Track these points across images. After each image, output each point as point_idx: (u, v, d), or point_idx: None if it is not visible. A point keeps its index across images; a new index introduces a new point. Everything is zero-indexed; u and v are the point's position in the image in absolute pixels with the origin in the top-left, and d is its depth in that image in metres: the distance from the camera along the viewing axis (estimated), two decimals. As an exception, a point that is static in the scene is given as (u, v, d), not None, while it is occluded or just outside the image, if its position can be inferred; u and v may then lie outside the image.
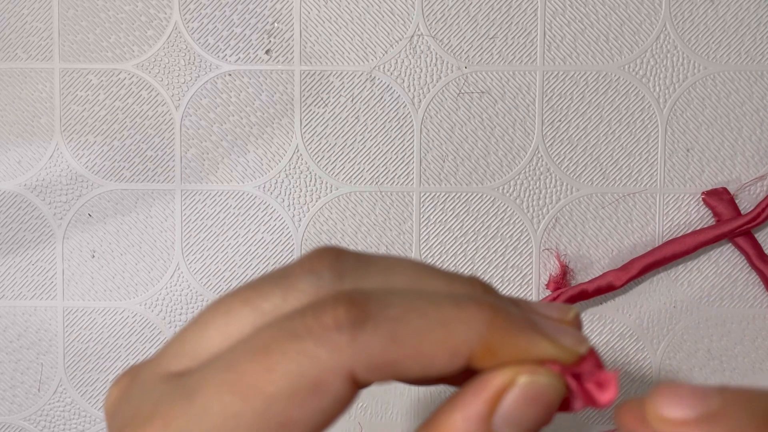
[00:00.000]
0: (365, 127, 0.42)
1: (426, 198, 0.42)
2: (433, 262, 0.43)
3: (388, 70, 0.42)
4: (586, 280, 0.42)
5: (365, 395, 0.43)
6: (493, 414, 0.20)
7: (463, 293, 0.21)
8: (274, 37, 0.42)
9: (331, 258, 0.21)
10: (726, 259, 0.43)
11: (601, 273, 0.42)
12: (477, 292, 0.21)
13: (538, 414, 0.20)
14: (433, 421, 0.21)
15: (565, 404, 0.21)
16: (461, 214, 0.42)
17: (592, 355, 0.21)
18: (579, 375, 0.21)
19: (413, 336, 0.20)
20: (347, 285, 0.21)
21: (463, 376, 0.23)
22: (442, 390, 0.42)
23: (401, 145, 0.42)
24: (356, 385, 0.20)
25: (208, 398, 0.20)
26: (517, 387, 0.20)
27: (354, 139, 0.42)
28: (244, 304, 0.22)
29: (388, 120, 0.42)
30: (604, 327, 0.43)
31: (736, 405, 0.19)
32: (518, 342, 0.20)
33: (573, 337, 0.21)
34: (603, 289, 0.41)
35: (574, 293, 0.41)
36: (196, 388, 0.20)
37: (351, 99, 0.42)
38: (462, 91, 0.42)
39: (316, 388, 0.19)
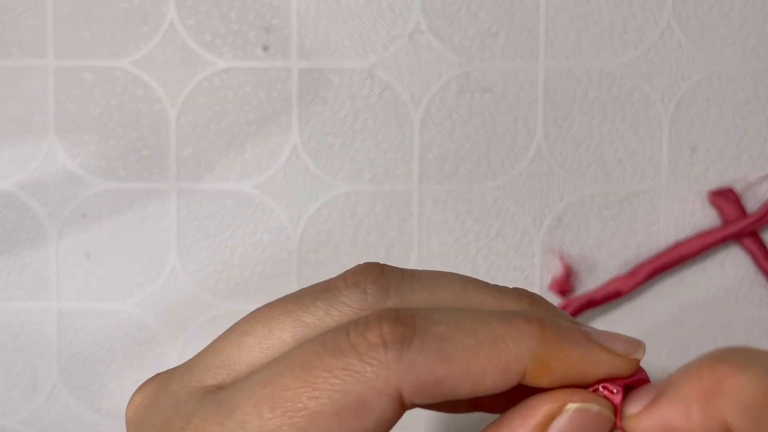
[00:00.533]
0: (365, 126, 0.42)
1: (426, 198, 0.42)
2: (433, 262, 0.43)
3: (388, 68, 0.42)
4: (590, 280, 0.42)
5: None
6: None
7: (511, 308, 0.21)
8: (272, 34, 0.42)
9: (376, 273, 0.21)
10: (731, 260, 0.43)
11: (605, 274, 0.42)
12: (524, 305, 0.22)
13: None
14: None
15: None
16: (462, 213, 0.42)
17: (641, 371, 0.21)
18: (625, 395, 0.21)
19: (462, 354, 0.19)
20: (392, 300, 0.21)
21: (501, 401, 0.23)
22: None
23: (401, 143, 0.42)
24: (402, 405, 0.20)
25: (246, 414, 0.20)
26: (566, 414, 0.20)
27: (353, 137, 0.42)
28: (286, 315, 0.21)
29: (388, 118, 0.42)
30: (607, 329, 0.43)
31: (676, 376, 0.20)
32: (572, 354, 0.20)
33: (627, 343, 0.21)
34: (611, 296, 0.41)
35: (582, 302, 0.41)
36: (233, 404, 0.20)
37: (350, 97, 0.42)
38: (463, 88, 0.42)
39: (361, 407, 0.19)
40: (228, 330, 0.22)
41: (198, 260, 0.43)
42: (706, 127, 0.42)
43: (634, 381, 0.21)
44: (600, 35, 0.42)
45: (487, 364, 0.19)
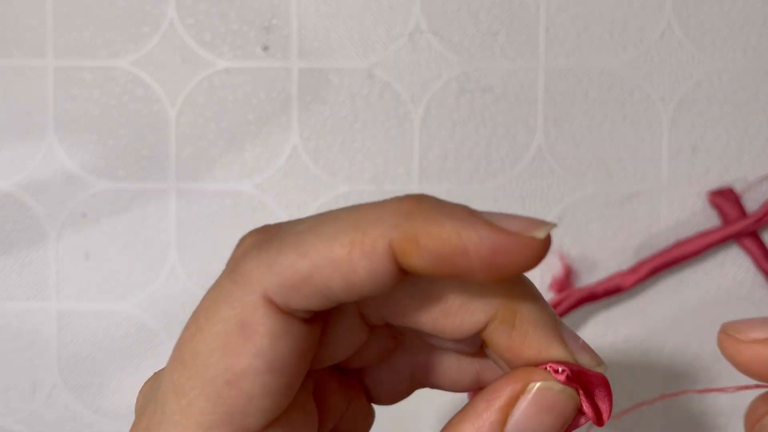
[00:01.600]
0: (364, 126, 0.42)
1: (426, 198, 0.42)
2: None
3: (388, 67, 0.42)
4: (591, 280, 0.42)
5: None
6: (506, 424, 0.19)
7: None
8: (272, 34, 0.42)
9: (262, 229, 0.20)
10: (732, 260, 0.43)
11: (605, 274, 0.42)
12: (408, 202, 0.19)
13: (552, 424, 0.19)
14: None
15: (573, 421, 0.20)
16: None
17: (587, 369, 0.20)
18: (584, 383, 0.20)
19: (322, 243, 0.18)
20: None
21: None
22: (447, 399, 0.42)
23: (401, 143, 0.42)
24: (280, 310, 0.18)
25: (164, 393, 0.20)
26: (529, 394, 0.19)
27: (353, 137, 0.42)
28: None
29: (388, 118, 0.42)
30: (608, 329, 0.43)
31: None
32: (445, 227, 0.18)
33: (524, 221, 0.18)
34: (611, 291, 0.41)
35: (582, 295, 0.41)
36: (157, 393, 0.20)
37: (350, 96, 0.42)
38: (463, 88, 0.42)
39: (242, 326, 0.18)
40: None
41: (197, 260, 0.43)
42: (706, 127, 0.42)
43: (585, 373, 0.20)
44: (600, 35, 0.42)
45: (350, 249, 0.18)
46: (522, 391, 0.19)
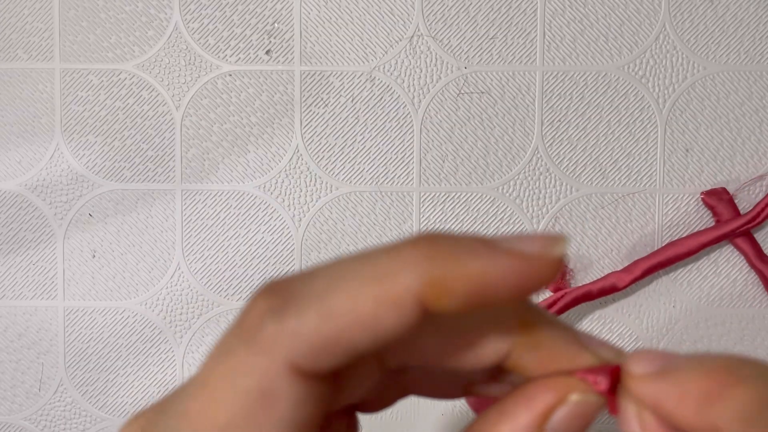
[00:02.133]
0: (365, 128, 0.42)
1: (426, 198, 0.42)
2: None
3: (388, 71, 0.42)
4: (586, 280, 0.42)
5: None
6: (543, 428, 0.19)
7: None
8: (275, 38, 0.42)
9: (273, 288, 0.19)
10: (725, 259, 0.42)
11: (600, 273, 0.42)
12: (422, 244, 0.18)
13: (581, 427, 0.20)
14: (478, 430, 0.20)
15: None
16: (461, 214, 0.42)
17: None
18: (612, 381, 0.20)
19: (345, 303, 0.17)
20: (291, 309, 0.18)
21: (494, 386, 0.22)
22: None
23: (401, 145, 0.42)
24: (305, 376, 0.18)
25: None
26: (568, 405, 0.19)
27: (354, 139, 0.42)
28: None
29: (388, 120, 0.42)
30: (603, 327, 0.43)
31: (689, 362, 0.18)
32: (471, 267, 0.17)
33: (540, 241, 0.18)
34: (607, 290, 0.41)
35: (578, 294, 0.41)
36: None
37: (351, 99, 0.42)
38: (462, 91, 0.42)
39: (265, 397, 0.17)
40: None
41: (202, 259, 0.43)
42: (700, 128, 0.42)
43: (612, 370, 0.20)
44: (596, 38, 0.42)
45: (375, 305, 0.17)
46: (560, 401, 0.19)
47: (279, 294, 0.18)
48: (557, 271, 0.18)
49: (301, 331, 0.17)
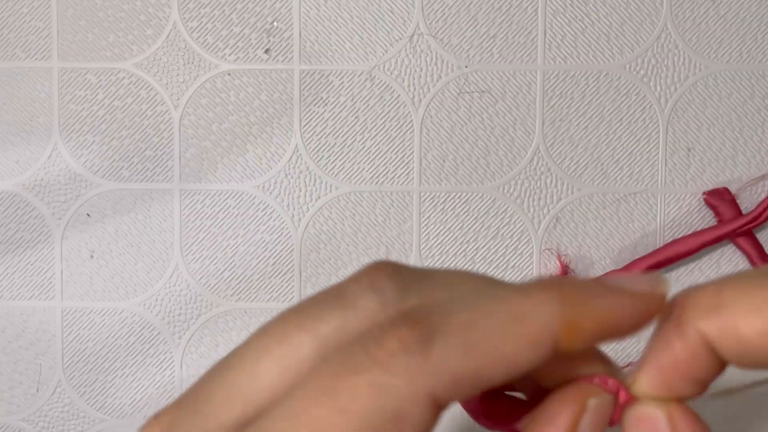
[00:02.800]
0: (365, 127, 0.42)
1: (426, 198, 0.42)
2: (433, 262, 0.43)
3: (388, 70, 0.42)
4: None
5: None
6: None
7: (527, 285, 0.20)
8: (274, 37, 0.42)
9: (390, 271, 0.20)
10: (727, 260, 0.42)
11: (602, 274, 0.42)
12: (540, 280, 0.20)
13: (602, 427, 0.20)
14: None
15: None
16: (461, 214, 0.42)
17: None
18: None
19: (489, 340, 0.18)
20: (412, 299, 0.19)
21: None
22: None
23: (401, 144, 0.42)
24: (438, 406, 0.18)
25: None
26: (589, 412, 0.20)
27: (354, 138, 0.42)
28: (301, 330, 0.19)
29: (388, 119, 0.42)
30: None
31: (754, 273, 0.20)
32: (598, 307, 0.19)
33: (647, 280, 0.20)
34: None
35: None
36: None
37: (351, 98, 0.42)
38: (462, 90, 0.42)
39: (397, 419, 0.18)
40: (237, 354, 0.20)
41: (200, 259, 0.43)
42: (702, 128, 0.42)
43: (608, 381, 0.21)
44: (597, 37, 0.42)
45: (516, 344, 0.18)
46: (582, 410, 0.20)
47: (421, 323, 0.18)
48: (663, 306, 0.20)
49: (447, 364, 0.18)
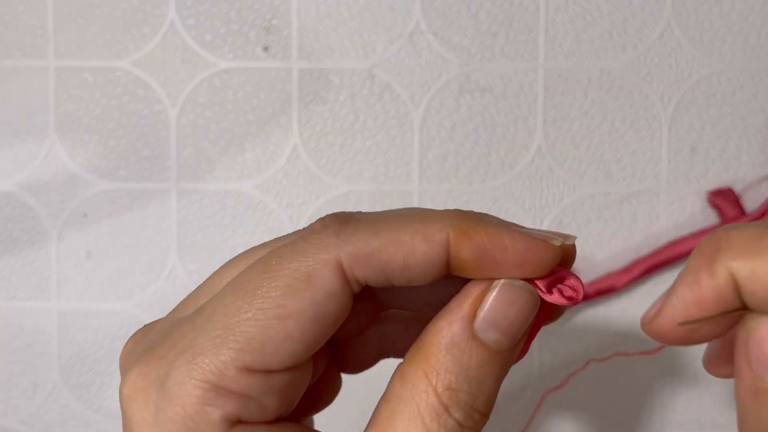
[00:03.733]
0: (365, 126, 0.42)
1: (426, 198, 0.42)
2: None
3: (388, 68, 0.42)
4: (589, 281, 0.42)
5: (364, 399, 0.43)
6: (475, 318, 0.22)
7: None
8: (272, 34, 0.42)
9: (338, 212, 0.24)
10: (731, 260, 0.42)
11: (603, 274, 0.42)
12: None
13: (516, 316, 0.22)
14: (423, 331, 0.23)
15: (544, 315, 0.23)
16: None
17: (565, 267, 0.23)
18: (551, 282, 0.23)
19: (391, 228, 0.22)
20: (349, 229, 0.23)
21: None
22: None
23: (401, 143, 0.42)
24: (346, 280, 0.22)
25: (213, 305, 0.22)
26: (494, 290, 0.22)
27: (353, 137, 0.42)
28: (264, 247, 0.24)
29: (388, 118, 0.42)
30: (607, 328, 0.43)
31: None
32: (490, 228, 0.22)
33: (550, 233, 0.23)
34: (604, 291, 0.41)
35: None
36: (205, 305, 0.23)
37: (350, 97, 0.42)
38: (463, 89, 0.42)
39: (308, 279, 0.22)
40: (214, 272, 0.25)
41: (198, 260, 0.43)
42: (705, 127, 0.42)
43: (557, 273, 0.23)
44: (600, 35, 0.42)
45: (413, 235, 0.22)
46: (488, 289, 0.22)
47: (344, 214, 0.23)
48: (554, 257, 0.22)
49: (353, 240, 0.22)
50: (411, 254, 0.22)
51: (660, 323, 0.22)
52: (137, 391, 0.23)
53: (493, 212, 0.42)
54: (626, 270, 0.41)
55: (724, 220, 0.42)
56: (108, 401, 0.43)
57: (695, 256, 0.21)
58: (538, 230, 0.23)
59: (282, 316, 0.22)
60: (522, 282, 0.23)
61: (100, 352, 0.43)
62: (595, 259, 0.42)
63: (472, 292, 0.23)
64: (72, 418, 0.43)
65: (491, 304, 0.22)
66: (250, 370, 0.22)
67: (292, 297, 0.22)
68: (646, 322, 0.23)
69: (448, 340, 0.22)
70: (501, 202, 0.42)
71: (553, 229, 0.42)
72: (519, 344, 0.23)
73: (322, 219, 0.23)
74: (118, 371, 0.43)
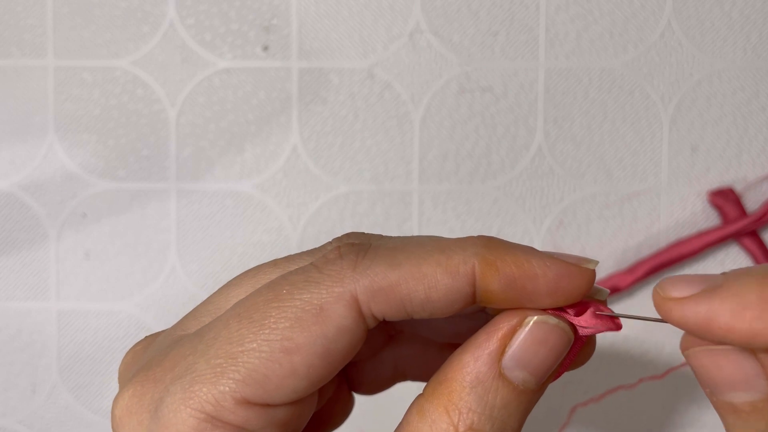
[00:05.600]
0: (365, 125, 0.42)
1: (426, 197, 0.42)
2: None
3: (388, 67, 0.42)
4: None
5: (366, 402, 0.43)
6: (503, 354, 0.21)
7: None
8: (272, 34, 0.42)
9: (353, 233, 0.23)
10: (732, 260, 0.42)
11: (606, 273, 0.42)
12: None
13: (547, 356, 0.21)
14: (447, 363, 0.22)
15: (574, 352, 0.22)
16: (462, 214, 0.42)
17: (589, 303, 0.22)
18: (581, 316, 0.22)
19: (412, 259, 0.21)
20: (366, 260, 0.22)
21: None
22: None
23: (401, 143, 0.42)
24: (361, 314, 0.21)
25: (216, 329, 0.21)
26: (526, 326, 0.21)
27: (353, 137, 0.42)
28: (273, 267, 0.23)
29: (388, 118, 0.42)
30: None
31: (735, 276, 0.19)
32: (518, 256, 0.21)
33: (577, 257, 0.22)
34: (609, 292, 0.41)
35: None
36: (208, 328, 0.22)
37: (350, 96, 0.42)
38: (463, 88, 0.42)
39: (319, 312, 0.21)
40: (219, 288, 0.24)
41: (197, 260, 0.43)
42: (706, 126, 0.42)
43: (584, 304, 0.22)
44: (600, 35, 0.42)
45: (436, 267, 0.21)
46: (520, 325, 0.21)
47: (361, 243, 0.22)
48: (588, 282, 0.21)
49: (370, 272, 0.21)
50: (433, 288, 0.21)
51: (693, 309, 0.19)
52: (130, 414, 0.22)
53: (493, 212, 0.42)
54: (630, 270, 0.41)
55: (725, 220, 0.42)
56: (107, 402, 0.43)
57: (753, 288, 0.19)
58: (564, 254, 0.22)
59: (288, 350, 0.20)
60: (556, 320, 0.21)
61: (99, 352, 0.43)
62: (595, 258, 0.42)
63: (501, 326, 0.21)
64: (71, 419, 0.43)
65: (521, 342, 0.21)
66: (249, 402, 0.21)
67: (301, 330, 0.20)
68: (671, 299, 0.20)
69: (474, 377, 0.21)
70: (501, 202, 0.42)
71: (553, 229, 0.42)
72: (546, 384, 0.22)
73: (338, 247, 0.22)
74: (118, 371, 0.43)
